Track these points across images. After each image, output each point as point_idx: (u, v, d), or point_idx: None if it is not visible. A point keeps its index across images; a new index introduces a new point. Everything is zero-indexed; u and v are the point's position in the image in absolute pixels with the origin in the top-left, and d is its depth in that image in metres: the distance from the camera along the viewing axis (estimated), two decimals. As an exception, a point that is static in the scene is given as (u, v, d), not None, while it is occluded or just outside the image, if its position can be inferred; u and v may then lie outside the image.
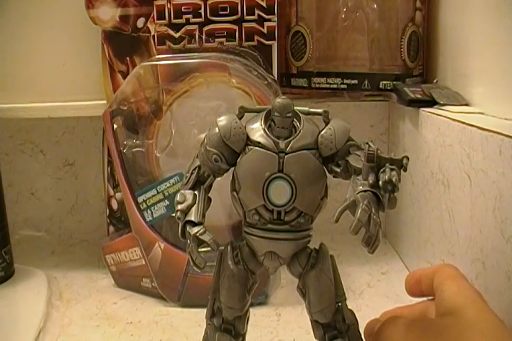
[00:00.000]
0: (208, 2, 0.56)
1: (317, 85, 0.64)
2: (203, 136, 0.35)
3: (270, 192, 0.33)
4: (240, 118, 0.34)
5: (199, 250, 0.34)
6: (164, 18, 0.57)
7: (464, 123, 0.46)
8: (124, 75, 0.59)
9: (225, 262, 0.35)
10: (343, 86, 0.63)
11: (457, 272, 0.36)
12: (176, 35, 0.57)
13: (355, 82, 0.62)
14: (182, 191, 0.35)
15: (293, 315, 0.54)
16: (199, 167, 0.35)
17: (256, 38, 0.57)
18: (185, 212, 0.34)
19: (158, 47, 0.58)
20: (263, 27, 0.57)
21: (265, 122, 0.34)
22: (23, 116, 0.64)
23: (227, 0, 0.56)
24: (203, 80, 0.55)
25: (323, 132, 0.33)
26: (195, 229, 0.33)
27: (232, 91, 0.54)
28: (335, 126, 0.33)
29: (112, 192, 0.62)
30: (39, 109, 0.63)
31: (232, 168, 0.34)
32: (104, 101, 0.61)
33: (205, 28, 0.57)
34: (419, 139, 0.57)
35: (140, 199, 0.57)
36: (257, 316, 0.53)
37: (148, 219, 0.57)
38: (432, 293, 0.36)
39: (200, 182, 0.36)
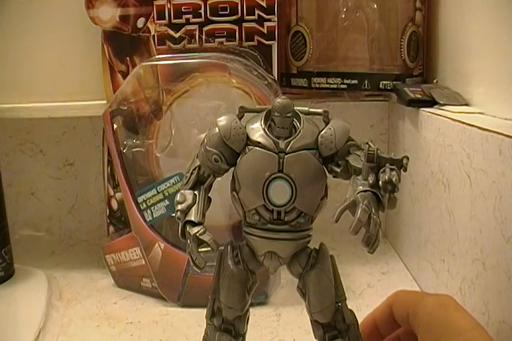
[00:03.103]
0: (208, 2, 0.56)
1: (317, 85, 0.64)
2: (202, 136, 0.35)
3: (270, 192, 0.33)
4: (240, 119, 0.34)
5: (199, 250, 0.34)
6: (164, 18, 0.57)
7: (464, 123, 0.46)
8: (124, 75, 0.59)
9: (225, 262, 0.35)
10: (343, 86, 0.63)
11: (417, 292, 0.35)
12: (176, 35, 0.57)
13: (355, 82, 0.62)
14: (182, 191, 0.35)
15: (293, 315, 0.54)
16: (199, 167, 0.35)
17: (256, 38, 0.57)
18: (185, 212, 0.34)
19: (158, 47, 0.58)
20: (263, 27, 0.57)
21: (265, 122, 0.33)
22: (23, 116, 0.64)
23: (227, 0, 0.56)
24: (203, 80, 0.55)
25: (323, 132, 0.33)
26: (195, 229, 0.33)
27: (232, 91, 0.54)
28: (335, 126, 0.33)
29: (112, 192, 0.62)
30: (39, 109, 0.63)
31: (232, 168, 0.34)
32: (104, 101, 0.61)
33: (205, 28, 0.57)
34: (419, 139, 0.57)
35: (140, 199, 0.57)
36: (257, 316, 0.53)
37: (148, 219, 0.57)
38: (394, 324, 0.36)
39: (200, 182, 0.35)
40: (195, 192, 0.35)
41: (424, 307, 0.33)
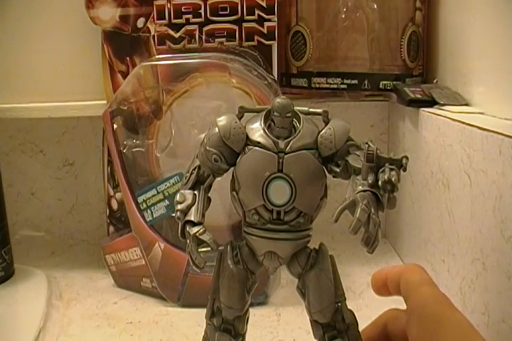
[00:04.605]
0: (208, 2, 0.56)
1: (317, 85, 0.64)
2: (202, 136, 0.35)
3: (270, 192, 0.33)
4: (240, 119, 0.34)
5: (199, 250, 0.34)
6: (164, 18, 0.57)
7: (464, 123, 0.46)
8: (124, 75, 0.59)
9: (225, 262, 0.35)
10: (343, 86, 0.63)
11: (423, 275, 0.35)
12: (176, 35, 0.57)
13: (355, 82, 0.62)
14: (182, 191, 0.35)
15: (293, 315, 0.54)
16: (199, 167, 0.35)
17: (256, 38, 0.57)
18: (185, 211, 0.34)
19: (158, 47, 0.58)
20: (263, 27, 0.57)
21: (265, 122, 0.33)
22: (23, 116, 0.64)
23: (227, 0, 0.56)
24: (203, 80, 0.55)
25: (322, 132, 0.33)
26: (195, 229, 0.33)
27: (232, 91, 0.54)
28: (334, 126, 0.33)
29: (112, 192, 0.62)
30: (39, 109, 0.63)
31: (232, 168, 0.34)
32: (104, 101, 0.61)
33: (205, 28, 0.57)
34: (419, 139, 0.57)
35: (140, 199, 0.57)
36: (257, 316, 0.53)
37: (148, 219, 0.57)
38: (397, 293, 0.35)
39: (200, 182, 0.35)
40: (195, 192, 0.35)
41: (419, 298, 0.32)
